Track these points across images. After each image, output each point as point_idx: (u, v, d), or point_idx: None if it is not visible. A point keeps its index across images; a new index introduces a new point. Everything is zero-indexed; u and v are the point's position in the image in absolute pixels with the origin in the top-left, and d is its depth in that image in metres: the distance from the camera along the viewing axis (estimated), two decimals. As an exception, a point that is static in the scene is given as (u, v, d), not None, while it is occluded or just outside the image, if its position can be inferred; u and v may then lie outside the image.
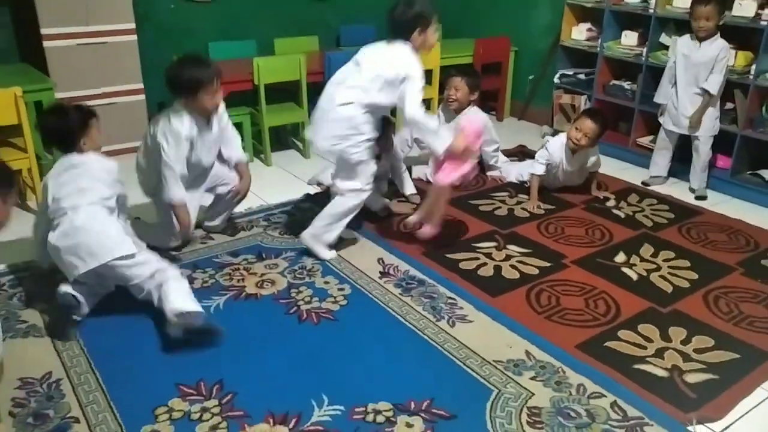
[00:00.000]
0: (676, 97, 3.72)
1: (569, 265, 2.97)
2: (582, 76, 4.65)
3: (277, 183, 3.92)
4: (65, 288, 2.40)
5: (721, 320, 2.57)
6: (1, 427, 1.95)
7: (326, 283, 2.79)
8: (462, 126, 2.89)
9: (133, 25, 4.00)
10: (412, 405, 2.07)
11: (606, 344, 2.40)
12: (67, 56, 3.81)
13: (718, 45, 3.52)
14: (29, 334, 2.40)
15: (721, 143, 3.79)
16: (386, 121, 3.26)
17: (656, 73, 4.04)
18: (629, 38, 4.30)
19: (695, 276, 2.90)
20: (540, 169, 3.60)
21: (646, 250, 3.13)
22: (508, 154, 4.27)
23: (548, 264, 2.97)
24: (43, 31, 3.74)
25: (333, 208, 2.94)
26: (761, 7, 3.57)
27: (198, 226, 3.23)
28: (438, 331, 2.46)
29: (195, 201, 2.95)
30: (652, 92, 4.13)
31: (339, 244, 3.12)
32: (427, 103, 4.99)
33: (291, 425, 1.98)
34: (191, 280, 2.77)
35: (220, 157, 3.02)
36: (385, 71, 2.73)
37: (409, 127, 3.80)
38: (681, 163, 3.94)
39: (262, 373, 2.23)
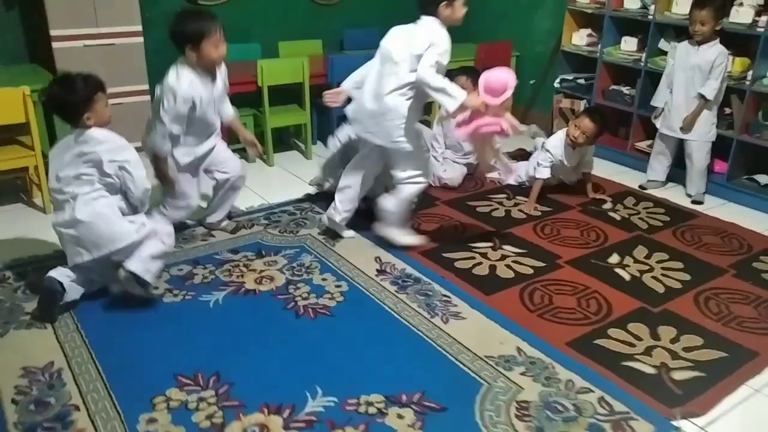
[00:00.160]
0: (673, 102, 3.76)
1: (563, 265, 3.02)
2: (582, 81, 4.70)
3: (278, 183, 3.99)
4: (53, 273, 2.48)
5: (711, 320, 2.61)
6: None
7: (324, 280, 2.85)
8: (481, 83, 2.77)
9: (140, 28, 4.09)
10: (404, 397, 2.12)
11: (596, 342, 2.45)
12: (75, 57, 3.89)
13: (716, 50, 3.56)
14: (32, 326, 2.47)
15: (718, 148, 3.82)
16: None
17: (655, 78, 4.09)
18: (629, 44, 4.35)
19: (687, 277, 2.94)
20: (545, 173, 3.64)
21: (640, 251, 3.17)
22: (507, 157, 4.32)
23: (543, 264, 3.02)
24: (53, 32, 3.82)
25: (395, 199, 3.01)
26: (758, 14, 3.61)
27: (199, 223, 3.30)
28: (432, 328, 2.51)
29: (201, 179, 3.08)
30: (651, 97, 4.19)
31: (338, 243, 3.18)
32: (428, 106, 5.06)
33: (285, 415, 2.04)
34: (191, 276, 2.84)
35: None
36: (414, 48, 2.73)
37: (440, 124, 3.90)
38: (680, 168, 3.98)
39: (259, 366, 2.28)
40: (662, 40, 4.18)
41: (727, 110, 3.83)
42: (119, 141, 2.47)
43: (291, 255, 3.05)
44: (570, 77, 4.76)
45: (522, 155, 4.47)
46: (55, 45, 3.85)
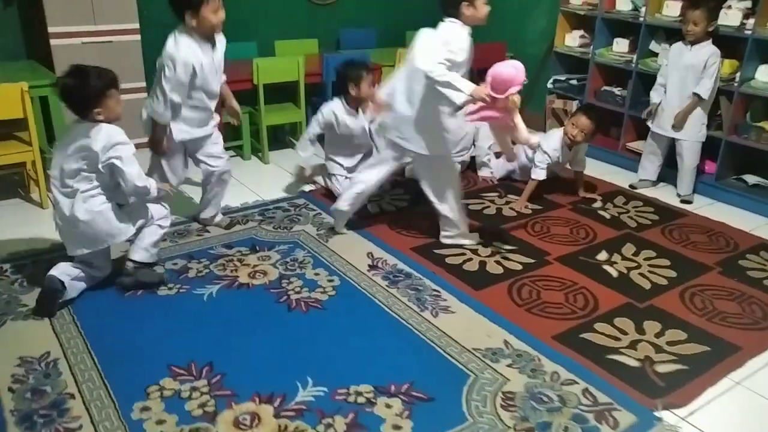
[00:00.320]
0: (666, 102, 3.82)
1: (552, 262, 3.07)
2: (574, 82, 4.76)
3: (273, 180, 4.03)
4: (54, 271, 2.51)
5: (696, 315, 2.66)
6: None
7: (316, 274, 2.89)
8: (489, 75, 2.75)
9: (137, 25, 4.13)
10: (392, 388, 2.17)
11: (582, 336, 2.50)
12: (72, 54, 3.93)
13: (708, 50, 3.62)
14: (29, 317, 2.51)
15: (708, 149, 3.88)
16: None
17: (646, 79, 4.15)
18: (620, 45, 4.41)
19: (674, 274, 2.99)
20: (542, 175, 3.67)
21: (628, 249, 3.23)
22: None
23: (532, 260, 3.07)
24: (51, 29, 3.87)
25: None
26: (746, 16, 3.67)
27: (193, 219, 3.35)
28: (421, 321, 2.56)
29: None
30: (642, 98, 4.25)
31: (331, 239, 3.23)
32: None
33: (276, 404, 2.08)
34: (186, 270, 2.89)
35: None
36: (426, 44, 2.72)
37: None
38: (670, 168, 4.03)
39: (251, 357, 2.33)
40: (653, 41, 4.24)
41: (717, 111, 3.89)
42: (117, 137, 2.46)
43: (284, 250, 3.10)
44: (563, 78, 4.81)
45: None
46: (53, 42, 3.89)
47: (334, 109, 3.57)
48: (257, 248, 3.11)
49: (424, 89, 2.79)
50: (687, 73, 3.67)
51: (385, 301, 2.69)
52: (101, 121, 2.44)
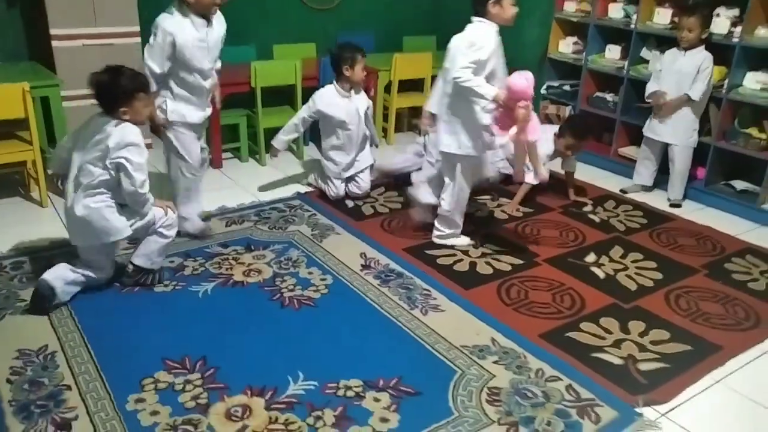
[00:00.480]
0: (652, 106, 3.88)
1: (541, 263, 3.13)
2: (567, 88, 4.83)
3: (269, 182, 4.09)
4: (47, 276, 2.55)
5: (680, 316, 2.72)
6: None
7: (310, 273, 2.95)
8: (507, 82, 2.83)
9: (137, 28, 4.20)
10: (381, 382, 2.23)
11: (568, 335, 2.56)
12: (74, 56, 4.00)
13: (702, 55, 3.70)
14: (28, 312, 2.57)
15: (698, 155, 3.94)
16: None
17: (637, 85, 4.22)
18: (612, 52, 4.48)
19: (660, 276, 3.06)
20: (534, 179, 3.67)
21: (616, 251, 3.29)
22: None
23: (521, 262, 3.13)
24: (52, 31, 3.93)
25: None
26: (734, 24, 3.74)
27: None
28: (411, 319, 2.62)
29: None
30: (634, 104, 4.33)
31: (326, 239, 3.29)
32: (418, 111, 5.18)
33: (267, 397, 2.14)
34: (182, 268, 2.95)
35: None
36: (454, 50, 2.86)
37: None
38: (661, 173, 4.09)
39: (244, 352, 2.39)
40: (644, 48, 4.31)
41: (707, 118, 3.96)
42: (132, 138, 2.48)
43: (279, 250, 3.16)
44: (556, 84, 4.88)
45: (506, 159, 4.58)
46: (54, 44, 3.96)
47: (326, 91, 3.68)
48: (252, 247, 3.17)
49: (453, 92, 2.89)
50: (681, 77, 3.75)
51: (377, 300, 2.75)
52: (126, 121, 2.49)
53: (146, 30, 4.18)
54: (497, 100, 2.73)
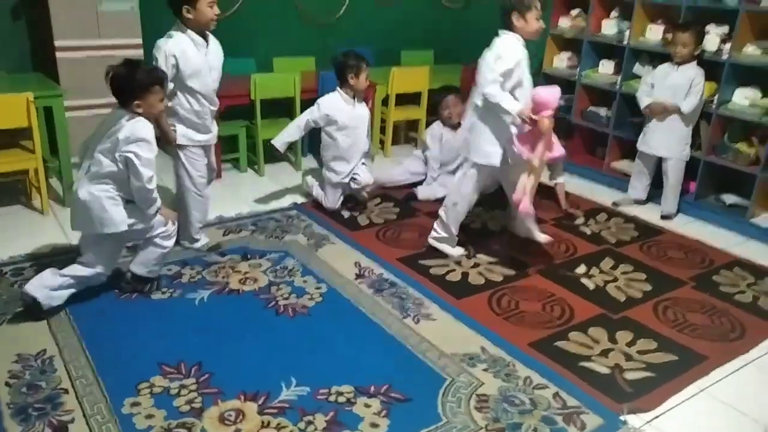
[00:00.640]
0: (652, 120, 3.94)
1: (532, 274, 3.19)
2: (562, 102, 4.89)
3: (267, 192, 4.16)
4: (28, 287, 2.58)
5: (667, 327, 2.78)
6: None
7: (305, 282, 3.01)
8: (533, 97, 2.96)
9: (140, 41, 4.29)
10: (372, 389, 2.28)
11: (556, 344, 2.61)
12: (77, 67, 4.08)
13: (694, 71, 3.79)
14: (27, 317, 2.61)
15: (689, 169, 4.01)
16: None
17: (630, 100, 4.29)
18: (606, 67, 4.57)
19: (649, 288, 3.11)
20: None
21: (607, 263, 3.35)
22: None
23: (512, 272, 3.19)
24: (57, 42, 4.02)
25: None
26: (723, 41, 3.83)
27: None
28: (403, 327, 2.67)
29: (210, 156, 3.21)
30: (626, 118, 4.41)
31: (321, 249, 3.35)
32: (414, 124, 5.27)
33: (260, 402, 2.19)
34: (180, 275, 3.00)
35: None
36: (486, 63, 2.95)
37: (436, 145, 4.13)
38: (654, 187, 4.16)
39: (238, 358, 2.44)
40: (637, 63, 4.39)
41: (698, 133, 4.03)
42: (143, 133, 2.52)
43: (275, 259, 3.22)
44: (551, 98, 4.96)
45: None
46: (58, 55, 4.04)
47: (331, 96, 3.76)
48: (249, 256, 3.23)
49: (482, 103, 2.98)
50: (673, 92, 3.82)
51: (370, 308, 2.81)
52: (139, 114, 2.54)
53: (149, 42, 4.27)
54: (521, 115, 2.85)
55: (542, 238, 3.29)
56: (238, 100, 4.25)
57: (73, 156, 2.90)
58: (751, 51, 3.74)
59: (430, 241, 3.35)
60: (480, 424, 2.13)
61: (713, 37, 3.85)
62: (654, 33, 4.22)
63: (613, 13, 4.54)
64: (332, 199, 3.84)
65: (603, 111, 4.60)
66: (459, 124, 4.15)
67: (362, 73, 3.70)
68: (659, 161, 4.03)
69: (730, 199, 3.99)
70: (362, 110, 3.84)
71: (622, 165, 4.53)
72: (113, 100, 2.59)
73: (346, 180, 3.83)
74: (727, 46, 3.77)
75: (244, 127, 4.46)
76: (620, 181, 4.39)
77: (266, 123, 4.44)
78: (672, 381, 2.41)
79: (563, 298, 2.97)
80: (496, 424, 2.14)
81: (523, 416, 2.19)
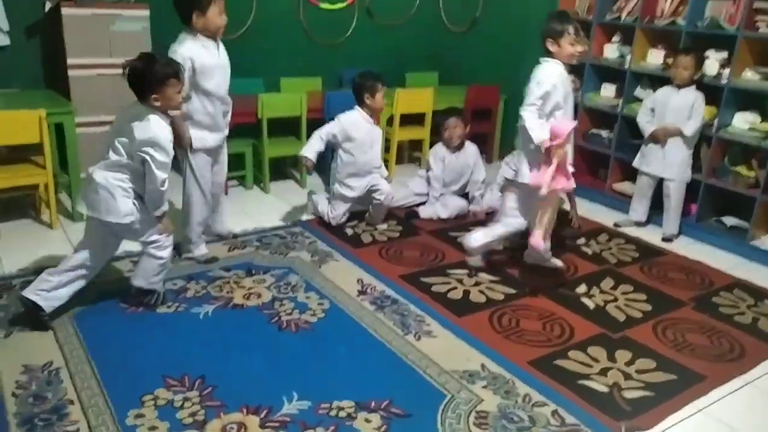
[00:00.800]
0: (653, 141, 4.00)
1: (533, 293, 3.22)
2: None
3: (273, 209, 4.22)
4: (24, 292, 2.65)
5: (666, 346, 2.80)
6: None
7: (308, 297, 3.05)
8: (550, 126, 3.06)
9: (150, 60, 4.37)
10: (373, 404, 2.30)
11: (556, 362, 2.63)
12: (88, 84, 4.17)
13: (694, 94, 3.85)
14: (35, 329, 2.66)
15: (691, 192, 4.05)
16: None
17: (631, 123, 4.35)
18: (608, 90, 4.64)
19: (649, 308, 3.14)
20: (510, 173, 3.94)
21: (607, 283, 3.38)
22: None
23: (513, 291, 3.22)
24: (70, 60, 4.11)
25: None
26: (722, 66, 3.90)
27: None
28: (404, 344, 2.70)
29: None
30: (628, 140, 4.46)
31: (324, 265, 3.40)
32: (419, 144, 5.33)
33: (262, 415, 2.22)
34: (185, 290, 3.05)
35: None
36: (527, 91, 3.10)
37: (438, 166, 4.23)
38: (653, 208, 4.19)
39: (241, 372, 2.47)
40: (638, 87, 4.46)
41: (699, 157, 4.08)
42: (160, 137, 2.56)
43: (279, 274, 3.26)
44: (554, 120, 5.02)
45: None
46: (70, 73, 4.13)
47: (351, 113, 3.84)
48: (253, 272, 3.27)
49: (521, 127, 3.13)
50: (675, 114, 3.88)
51: (371, 324, 2.84)
52: (157, 108, 2.58)
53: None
54: (541, 145, 2.98)
55: (557, 263, 3.40)
56: (245, 118, 4.32)
57: (82, 172, 2.98)
58: (750, 76, 3.80)
59: (472, 243, 3.37)
60: (479, 441, 2.16)
61: (713, 62, 3.92)
62: (655, 57, 4.29)
63: (615, 38, 4.62)
64: (339, 213, 3.90)
65: (605, 133, 4.66)
66: (459, 146, 4.22)
67: (378, 93, 3.78)
68: (660, 183, 4.08)
69: (730, 221, 4.02)
70: (376, 128, 3.92)
71: (623, 186, 4.58)
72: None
73: (358, 195, 3.88)
74: (727, 71, 3.84)
75: (251, 146, 4.53)
76: (622, 203, 4.44)
77: (272, 141, 4.51)
78: (670, 400, 2.43)
79: (563, 317, 3.00)
80: (495, 441, 2.16)
81: (522, 433, 2.21)
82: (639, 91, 4.46)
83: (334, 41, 5.49)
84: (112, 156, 2.61)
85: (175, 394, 2.31)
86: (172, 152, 2.64)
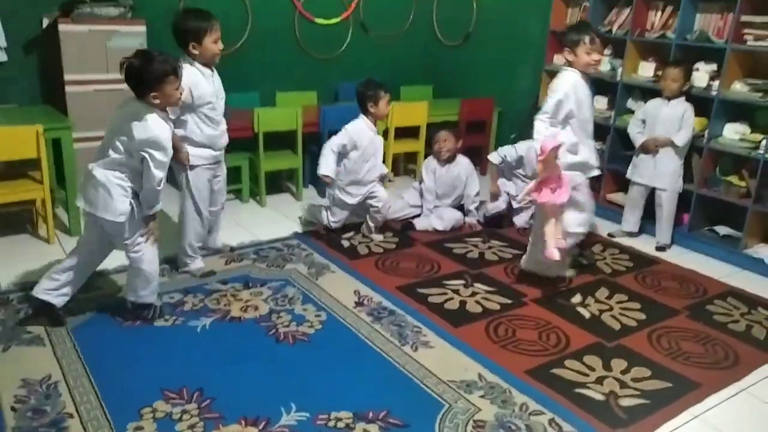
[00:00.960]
0: (644, 152, 4.05)
1: (528, 303, 3.24)
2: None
3: (269, 222, 4.24)
4: (34, 292, 2.76)
5: (661, 355, 2.82)
6: None
7: (305, 309, 3.06)
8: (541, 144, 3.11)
9: (147, 75, 4.41)
10: (371, 414, 2.31)
11: (552, 371, 2.65)
12: (85, 100, 4.20)
13: (684, 105, 3.91)
14: (33, 343, 2.67)
15: (683, 201, 4.10)
16: None
17: (623, 135, 4.40)
18: (599, 102, 4.69)
19: (643, 317, 3.16)
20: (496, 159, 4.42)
21: (602, 293, 3.41)
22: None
23: (509, 301, 3.25)
24: (67, 77, 4.15)
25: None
26: (712, 78, 3.96)
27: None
28: (401, 354, 2.72)
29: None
30: (620, 152, 4.51)
31: (321, 277, 3.42)
32: (414, 157, 5.38)
33: (261, 427, 2.23)
34: (182, 303, 3.06)
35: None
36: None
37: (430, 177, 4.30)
38: (645, 218, 4.24)
39: (239, 384, 2.48)
40: (630, 99, 4.52)
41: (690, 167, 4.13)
42: (158, 137, 2.56)
43: (276, 287, 3.28)
44: (547, 132, 5.07)
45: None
46: (68, 89, 4.17)
47: (357, 122, 3.86)
48: (250, 284, 3.29)
49: None
50: (665, 125, 3.94)
51: (368, 336, 2.85)
52: (156, 105, 2.59)
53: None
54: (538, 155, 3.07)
55: (569, 273, 3.51)
56: (241, 132, 4.35)
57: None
58: (739, 88, 3.86)
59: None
60: (477, 450, 2.17)
61: (702, 74, 3.98)
62: (646, 69, 4.35)
63: (607, 51, 4.68)
64: (338, 218, 3.93)
65: (598, 145, 4.70)
66: (449, 159, 4.25)
67: (381, 101, 3.82)
68: (652, 193, 4.12)
69: (723, 230, 4.07)
70: (378, 137, 3.97)
71: (617, 197, 4.62)
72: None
73: (358, 202, 3.91)
74: (716, 83, 3.90)
75: (247, 159, 4.56)
76: (615, 213, 4.48)
77: (268, 155, 4.54)
78: (666, 407, 2.45)
79: (559, 326, 3.02)
80: (493, 450, 2.18)
81: (520, 442, 2.23)
82: (631, 103, 4.52)
83: (329, 55, 5.55)
84: (112, 154, 2.62)
85: (173, 406, 2.32)
86: (171, 151, 2.66)
